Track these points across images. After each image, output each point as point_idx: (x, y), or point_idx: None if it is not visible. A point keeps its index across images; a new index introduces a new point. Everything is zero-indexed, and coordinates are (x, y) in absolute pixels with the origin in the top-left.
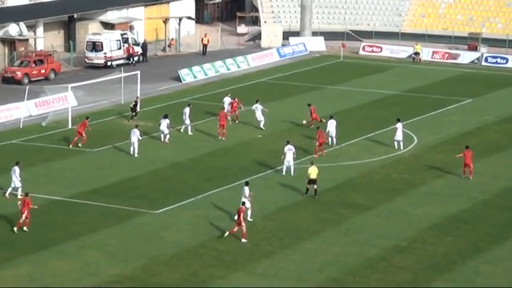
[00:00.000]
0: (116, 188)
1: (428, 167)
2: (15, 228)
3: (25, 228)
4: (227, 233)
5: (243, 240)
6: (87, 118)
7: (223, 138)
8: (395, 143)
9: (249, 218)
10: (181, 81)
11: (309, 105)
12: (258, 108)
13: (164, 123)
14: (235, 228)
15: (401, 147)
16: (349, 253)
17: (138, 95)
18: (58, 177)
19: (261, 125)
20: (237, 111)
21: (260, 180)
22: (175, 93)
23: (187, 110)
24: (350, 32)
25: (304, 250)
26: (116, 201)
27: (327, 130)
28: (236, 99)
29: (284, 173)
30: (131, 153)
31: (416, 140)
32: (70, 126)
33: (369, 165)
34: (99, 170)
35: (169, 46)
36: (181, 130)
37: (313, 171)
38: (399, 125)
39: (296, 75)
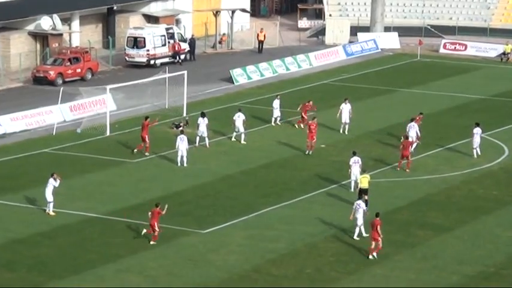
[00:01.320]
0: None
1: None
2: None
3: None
4: (370, 256)
5: (370, 256)
6: (146, 118)
7: (311, 152)
8: (474, 151)
9: (364, 234)
10: (233, 82)
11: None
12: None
13: (203, 124)
14: (373, 245)
15: (475, 155)
16: (425, 280)
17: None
18: (94, 191)
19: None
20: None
21: (322, 196)
22: (226, 97)
23: (240, 115)
24: (429, 27)
25: (373, 276)
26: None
27: (408, 134)
28: (311, 103)
29: (352, 189)
30: (178, 163)
31: (507, 152)
32: (108, 133)
33: (449, 180)
34: (140, 183)
35: (220, 42)
36: (233, 138)
37: (364, 180)
38: (477, 131)
39: (365, 77)
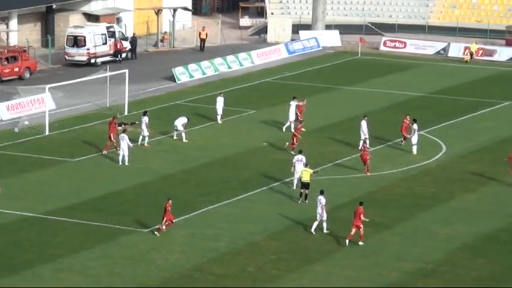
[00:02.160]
0: (99, 203)
1: (458, 179)
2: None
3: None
4: (346, 240)
5: (360, 242)
6: (113, 118)
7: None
8: (413, 147)
9: (325, 231)
10: (175, 81)
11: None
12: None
13: (143, 123)
14: (353, 232)
15: (415, 152)
16: (365, 278)
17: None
18: (33, 190)
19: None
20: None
21: (264, 194)
22: (168, 95)
23: (184, 119)
24: (369, 24)
25: (314, 274)
26: (99, 219)
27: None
28: (304, 102)
29: (294, 187)
30: (120, 162)
31: (445, 149)
32: (47, 132)
33: (388, 178)
34: (80, 182)
35: (161, 41)
36: (174, 137)
37: (305, 174)
38: (415, 127)
39: (306, 75)
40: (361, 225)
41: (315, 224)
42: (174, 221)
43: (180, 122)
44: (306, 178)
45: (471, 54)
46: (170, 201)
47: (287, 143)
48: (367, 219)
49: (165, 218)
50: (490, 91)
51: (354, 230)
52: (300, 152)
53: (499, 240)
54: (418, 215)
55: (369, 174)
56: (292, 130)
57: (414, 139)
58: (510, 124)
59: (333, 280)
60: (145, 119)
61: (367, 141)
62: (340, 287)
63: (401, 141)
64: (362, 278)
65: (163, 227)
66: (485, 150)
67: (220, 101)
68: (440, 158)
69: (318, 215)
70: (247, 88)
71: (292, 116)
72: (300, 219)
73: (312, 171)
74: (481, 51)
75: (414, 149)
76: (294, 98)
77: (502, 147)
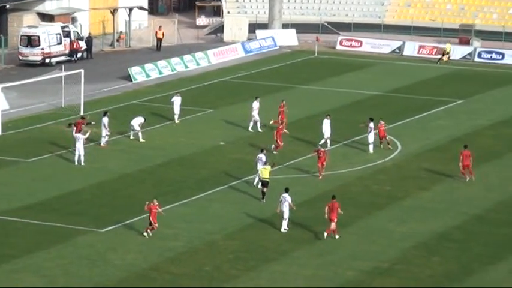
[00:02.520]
0: (55, 203)
1: (413, 177)
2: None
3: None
4: (325, 234)
5: (337, 236)
6: (82, 118)
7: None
8: (369, 146)
9: (283, 229)
10: (131, 80)
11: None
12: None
13: (102, 122)
14: (332, 225)
15: (371, 151)
16: (322, 276)
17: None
18: None
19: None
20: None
21: (221, 194)
22: (124, 95)
23: (140, 119)
24: (326, 24)
25: (272, 273)
26: (55, 219)
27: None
28: (284, 102)
29: (255, 183)
30: (76, 162)
31: (400, 147)
32: (0, 132)
33: (345, 177)
34: (35, 182)
35: (117, 41)
36: (131, 137)
37: (264, 171)
38: (371, 126)
39: (263, 74)
40: (335, 219)
41: (284, 222)
42: (156, 225)
43: (137, 121)
44: (265, 176)
45: (447, 54)
46: (155, 201)
47: (273, 146)
48: (341, 212)
49: (151, 220)
50: (443, 90)
51: (333, 224)
52: (262, 151)
53: (453, 238)
54: (374, 214)
55: (320, 177)
56: (260, 130)
57: (370, 138)
58: (463, 123)
59: (290, 279)
60: (105, 119)
61: (328, 142)
62: (297, 286)
63: (388, 146)
64: (319, 277)
65: (149, 231)
66: (439, 148)
67: (177, 101)
68: (395, 157)
69: (282, 213)
70: (204, 87)
71: (256, 116)
72: (258, 218)
73: (270, 166)
74: (435, 50)
75: (370, 148)
76: (256, 98)
77: (455, 145)
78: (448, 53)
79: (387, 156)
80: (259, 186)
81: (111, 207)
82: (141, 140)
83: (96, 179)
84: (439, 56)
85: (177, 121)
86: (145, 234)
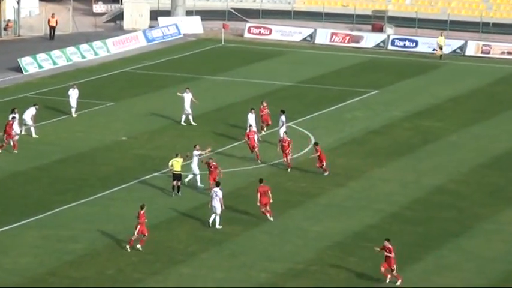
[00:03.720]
0: None
1: (328, 173)
2: (128, 246)
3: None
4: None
5: (271, 218)
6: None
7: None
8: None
9: (218, 226)
10: (22, 71)
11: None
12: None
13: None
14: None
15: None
16: (234, 279)
17: None
18: None
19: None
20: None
21: (125, 192)
22: (14, 87)
23: (32, 110)
24: (232, 10)
25: (180, 276)
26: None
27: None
28: (264, 103)
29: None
30: None
31: (314, 141)
32: None
33: (256, 172)
34: None
35: (5, 29)
36: (23, 132)
37: (176, 164)
38: (283, 119)
39: (167, 64)
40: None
41: (213, 217)
42: (146, 234)
43: (28, 114)
44: (178, 169)
45: (441, 48)
46: (144, 209)
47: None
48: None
49: (137, 229)
50: (358, 79)
51: (267, 208)
52: (195, 147)
53: (369, 238)
54: (288, 212)
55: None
56: (193, 123)
57: (282, 131)
58: (379, 114)
59: (200, 282)
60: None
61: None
62: None
63: (263, 130)
64: (230, 279)
65: (133, 240)
66: (355, 142)
67: (73, 93)
68: (309, 151)
69: (214, 208)
70: (104, 79)
71: (188, 108)
72: (165, 217)
73: (182, 159)
74: (347, 38)
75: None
76: (187, 89)
77: (371, 138)
78: (441, 47)
79: (301, 150)
80: (172, 179)
81: (2, 207)
82: (34, 135)
83: None
84: (436, 51)
85: (74, 115)
86: (139, 247)
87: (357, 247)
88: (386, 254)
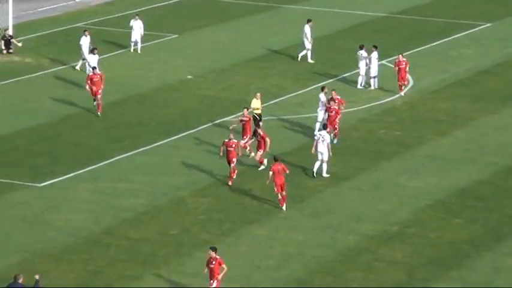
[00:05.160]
0: None
1: (428, 120)
2: None
3: None
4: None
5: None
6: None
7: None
8: (372, 81)
9: (325, 174)
10: None
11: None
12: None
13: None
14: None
15: (376, 85)
16: (316, 242)
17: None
18: None
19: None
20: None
21: (190, 140)
22: (65, 16)
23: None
24: None
25: (254, 238)
26: None
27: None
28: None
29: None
30: None
31: (412, 82)
32: None
33: (345, 118)
34: None
35: None
36: (78, 67)
37: (255, 104)
38: (375, 55)
39: None
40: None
41: (317, 164)
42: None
43: (85, 44)
44: (258, 110)
45: None
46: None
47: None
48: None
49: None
50: (466, 10)
51: (282, 191)
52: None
53: (480, 195)
54: (381, 165)
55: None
56: (311, 61)
57: (374, 70)
58: (491, 51)
59: (277, 245)
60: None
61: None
62: (285, 253)
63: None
64: (312, 242)
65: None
66: (462, 83)
67: (136, 25)
68: (407, 94)
69: (320, 154)
70: (166, 7)
71: (308, 43)
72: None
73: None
74: None
75: (374, 83)
76: (308, 21)
77: (482, 79)
78: None
79: (396, 93)
80: (253, 122)
81: (52, 156)
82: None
83: (32, 121)
84: None
85: (138, 50)
86: None
87: (464, 207)
88: None
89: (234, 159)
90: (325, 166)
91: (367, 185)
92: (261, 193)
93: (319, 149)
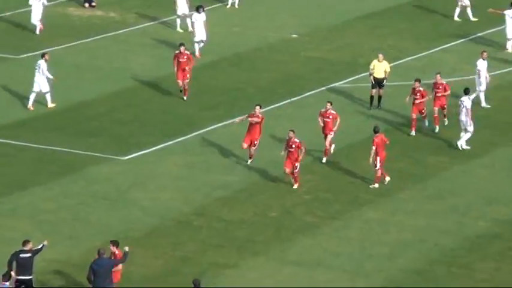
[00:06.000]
0: (58, 119)
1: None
2: None
3: None
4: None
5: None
6: None
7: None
8: (508, 43)
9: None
10: None
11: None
12: None
13: None
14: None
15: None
16: (439, 228)
17: None
18: None
19: None
20: None
21: (292, 107)
22: None
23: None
24: None
25: (365, 223)
26: (58, 141)
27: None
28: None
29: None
30: None
31: None
32: None
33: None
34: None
35: None
36: (179, 29)
37: (377, 67)
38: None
39: None
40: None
41: (463, 135)
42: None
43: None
44: (379, 74)
45: None
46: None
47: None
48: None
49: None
50: None
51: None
52: None
53: None
54: None
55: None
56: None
57: (510, 31)
58: None
59: (392, 230)
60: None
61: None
62: (402, 240)
63: None
64: (434, 228)
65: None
66: None
67: None
68: None
69: (462, 123)
70: None
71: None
72: (345, 142)
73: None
74: None
75: (510, 45)
76: None
77: None
78: None
79: None
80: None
81: (138, 125)
82: (190, 29)
83: (116, 85)
84: None
85: (236, 4)
86: None
87: None
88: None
89: (332, 132)
90: (465, 136)
91: (501, 162)
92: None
93: (460, 118)
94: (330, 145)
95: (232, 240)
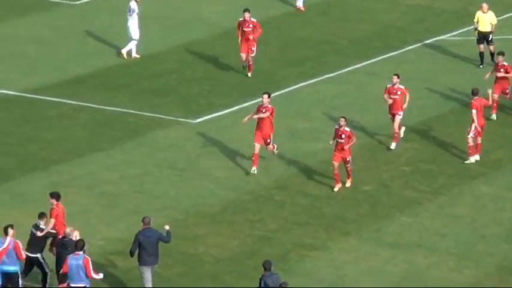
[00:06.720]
0: (119, 75)
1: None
2: None
3: None
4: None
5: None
6: None
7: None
8: None
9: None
10: None
11: None
12: None
13: None
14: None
15: None
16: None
17: None
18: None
19: None
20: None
21: (391, 64)
22: None
23: None
24: None
25: (477, 199)
26: (118, 101)
27: None
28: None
29: None
30: None
31: None
32: None
33: None
34: (88, 38)
35: None
36: None
37: (482, 19)
38: None
39: None
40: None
41: None
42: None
43: None
44: (484, 28)
45: None
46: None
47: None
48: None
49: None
50: None
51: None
52: None
53: None
54: None
55: None
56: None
57: None
58: None
59: (509, 208)
60: None
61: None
62: None
63: None
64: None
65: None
66: None
67: None
68: None
69: None
70: None
71: None
72: (451, 104)
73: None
74: None
75: None
76: None
77: None
78: None
79: None
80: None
81: (211, 83)
82: None
83: (187, 36)
84: None
85: None
86: None
87: None
88: None
89: (400, 112)
90: None
91: None
92: (492, 137)
93: None
94: (400, 128)
95: (319, 218)
